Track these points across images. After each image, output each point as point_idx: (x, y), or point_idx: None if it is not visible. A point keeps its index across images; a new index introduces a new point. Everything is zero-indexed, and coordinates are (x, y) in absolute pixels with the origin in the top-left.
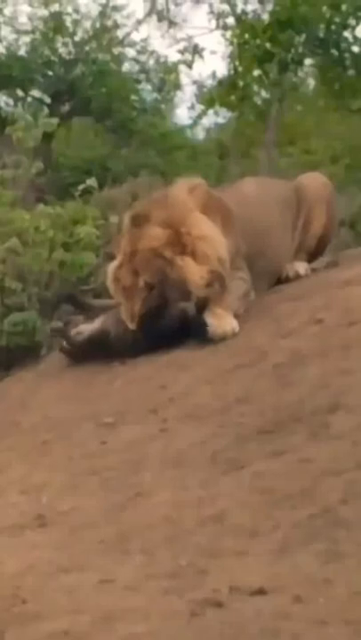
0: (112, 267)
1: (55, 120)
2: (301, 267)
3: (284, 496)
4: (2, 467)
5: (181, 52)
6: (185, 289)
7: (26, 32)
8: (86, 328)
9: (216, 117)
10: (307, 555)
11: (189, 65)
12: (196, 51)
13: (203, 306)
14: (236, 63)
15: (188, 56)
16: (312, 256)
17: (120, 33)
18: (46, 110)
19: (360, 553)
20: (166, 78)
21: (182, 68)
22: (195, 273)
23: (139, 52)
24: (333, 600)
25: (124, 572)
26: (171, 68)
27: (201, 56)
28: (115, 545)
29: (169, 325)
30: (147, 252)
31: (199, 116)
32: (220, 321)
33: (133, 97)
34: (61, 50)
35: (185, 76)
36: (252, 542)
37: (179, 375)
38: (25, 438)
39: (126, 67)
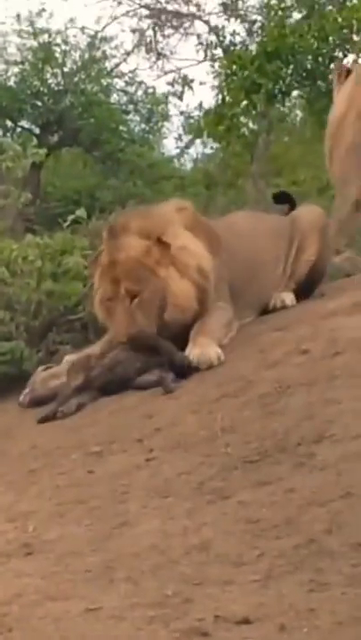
0: (96, 298)
1: (44, 150)
2: (288, 297)
3: (269, 526)
4: None
5: (171, 83)
6: (165, 301)
7: (15, 63)
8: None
9: (203, 148)
10: (292, 584)
11: (179, 96)
12: (186, 82)
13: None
14: (224, 94)
15: (177, 87)
16: (306, 286)
17: (109, 64)
18: (35, 141)
19: (345, 583)
20: (154, 109)
21: (172, 98)
22: (178, 285)
23: (127, 84)
24: (318, 630)
25: (110, 600)
26: (159, 99)
27: (191, 87)
28: (101, 573)
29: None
30: (127, 260)
31: (187, 147)
32: (205, 349)
33: (122, 127)
34: (50, 80)
35: (173, 107)
36: (237, 572)
37: (165, 404)
38: (12, 466)
39: (115, 98)
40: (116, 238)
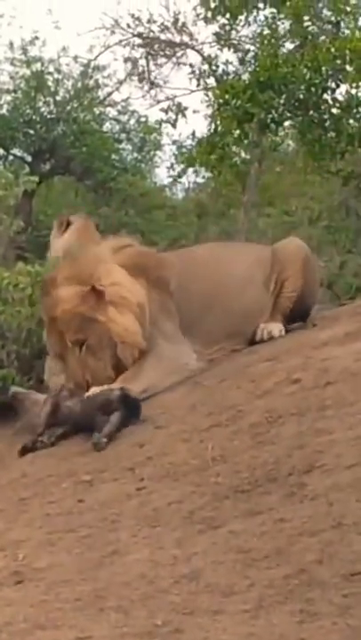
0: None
1: (35, 178)
2: (276, 328)
3: (259, 556)
4: None
5: (165, 110)
6: (113, 341)
7: (7, 91)
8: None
9: (195, 177)
10: (282, 614)
11: (173, 124)
12: (180, 109)
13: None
14: (217, 123)
15: (171, 114)
16: (293, 317)
17: (101, 93)
18: (27, 169)
19: (336, 613)
20: (147, 138)
21: (165, 126)
22: (120, 324)
23: (120, 112)
24: None
25: (100, 629)
26: (151, 128)
27: (184, 115)
28: (91, 602)
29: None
30: (65, 314)
31: (179, 176)
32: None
33: (114, 156)
34: (43, 109)
35: (165, 136)
36: (227, 601)
37: (156, 434)
38: (2, 495)
39: (107, 126)
40: (49, 295)
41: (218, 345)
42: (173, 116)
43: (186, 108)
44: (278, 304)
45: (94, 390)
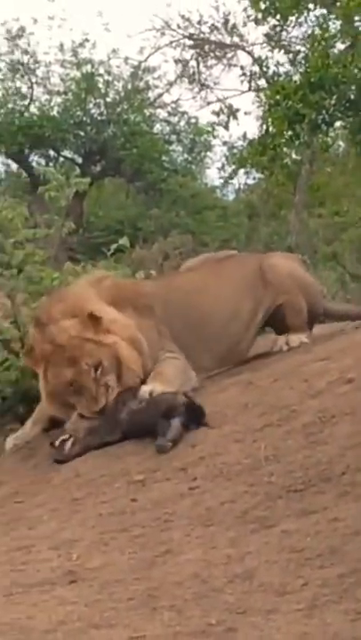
0: (41, 385)
1: (87, 180)
2: (296, 339)
3: (313, 555)
4: (33, 523)
5: (216, 113)
6: (121, 364)
7: (58, 93)
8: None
9: (246, 178)
10: (336, 613)
11: (226, 126)
12: (231, 112)
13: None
14: (268, 124)
15: (223, 117)
16: (292, 327)
17: (152, 94)
18: (78, 170)
19: None
20: (197, 139)
21: (217, 128)
22: (126, 349)
23: (170, 114)
24: None
25: (154, 628)
26: (202, 130)
27: (236, 117)
28: (144, 602)
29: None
30: (72, 340)
31: (230, 177)
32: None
33: (164, 158)
34: (93, 111)
35: (216, 137)
36: (281, 600)
37: (208, 434)
38: (56, 495)
39: (157, 128)
40: (47, 326)
41: (206, 373)
42: (225, 119)
43: (237, 110)
44: (283, 319)
45: (146, 390)
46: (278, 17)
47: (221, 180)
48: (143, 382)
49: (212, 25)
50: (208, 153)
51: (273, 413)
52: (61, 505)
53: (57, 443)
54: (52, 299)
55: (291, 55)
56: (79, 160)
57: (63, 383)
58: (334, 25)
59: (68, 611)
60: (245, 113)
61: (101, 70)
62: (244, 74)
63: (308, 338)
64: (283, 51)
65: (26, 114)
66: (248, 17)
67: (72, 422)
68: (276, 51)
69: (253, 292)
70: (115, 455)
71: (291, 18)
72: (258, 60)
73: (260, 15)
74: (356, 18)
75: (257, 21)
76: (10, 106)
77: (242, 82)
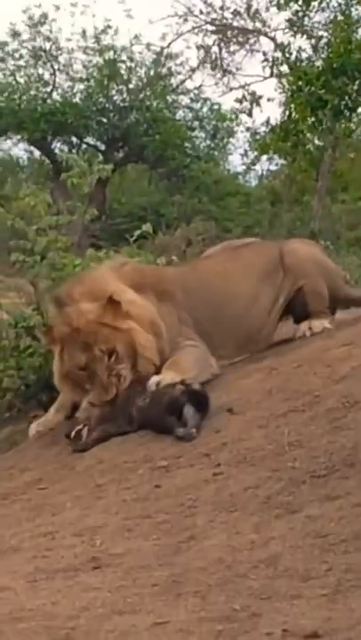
0: (55, 365)
1: (110, 166)
2: (319, 325)
3: (337, 540)
4: (57, 509)
5: (240, 100)
6: (136, 352)
7: (81, 80)
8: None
9: (269, 164)
10: (360, 598)
11: (249, 114)
12: (254, 98)
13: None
14: (291, 110)
15: (246, 104)
16: (313, 313)
17: (174, 81)
18: (100, 157)
19: None
20: (220, 125)
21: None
22: (142, 336)
23: (192, 100)
24: None
25: (178, 614)
26: (224, 116)
27: (259, 104)
28: (168, 588)
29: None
30: (89, 324)
31: (252, 163)
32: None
33: (187, 144)
34: (116, 97)
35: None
36: (305, 586)
37: (232, 420)
38: (79, 481)
39: (180, 114)
40: (68, 308)
41: (228, 360)
42: (248, 105)
43: (260, 97)
44: (304, 305)
45: (154, 381)
46: (301, 2)
47: (244, 167)
48: (160, 367)
49: (235, 10)
50: (231, 139)
51: (297, 399)
52: (85, 491)
53: (72, 434)
54: (73, 280)
55: (313, 41)
56: (102, 147)
57: (76, 367)
58: (357, 11)
59: (92, 597)
60: (268, 99)
61: (124, 57)
62: (266, 59)
63: (330, 323)
64: (305, 36)
65: (48, 101)
66: (270, 2)
67: (83, 410)
68: (298, 36)
69: (274, 278)
70: (138, 441)
71: (313, 3)
72: (280, 46)
73: (282, 0)
74: None
75: (279, 7)
76: (32, 93)
77: (264, 68)
